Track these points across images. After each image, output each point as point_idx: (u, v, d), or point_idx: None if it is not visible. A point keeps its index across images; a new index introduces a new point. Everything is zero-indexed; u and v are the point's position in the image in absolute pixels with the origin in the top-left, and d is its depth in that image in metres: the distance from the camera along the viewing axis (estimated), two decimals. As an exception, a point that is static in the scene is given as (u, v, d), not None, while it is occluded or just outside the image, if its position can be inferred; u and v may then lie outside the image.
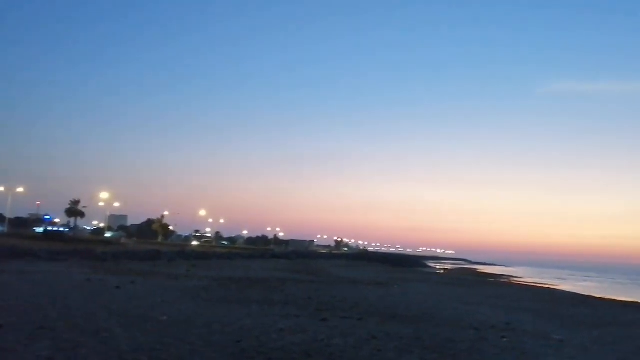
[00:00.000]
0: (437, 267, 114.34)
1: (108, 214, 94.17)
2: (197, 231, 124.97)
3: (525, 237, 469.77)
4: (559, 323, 17.94)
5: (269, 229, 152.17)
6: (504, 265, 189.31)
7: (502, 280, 66.85)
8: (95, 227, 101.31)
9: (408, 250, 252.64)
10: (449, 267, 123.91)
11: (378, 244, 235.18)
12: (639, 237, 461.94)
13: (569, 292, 45.86)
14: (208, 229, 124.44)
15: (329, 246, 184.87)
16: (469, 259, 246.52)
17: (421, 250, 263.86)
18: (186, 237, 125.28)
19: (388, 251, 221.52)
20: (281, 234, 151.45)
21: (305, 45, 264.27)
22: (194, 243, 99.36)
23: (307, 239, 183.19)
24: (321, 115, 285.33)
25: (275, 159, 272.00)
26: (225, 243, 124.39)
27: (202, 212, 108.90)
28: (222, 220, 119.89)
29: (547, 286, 59.54)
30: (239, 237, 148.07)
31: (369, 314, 15.84)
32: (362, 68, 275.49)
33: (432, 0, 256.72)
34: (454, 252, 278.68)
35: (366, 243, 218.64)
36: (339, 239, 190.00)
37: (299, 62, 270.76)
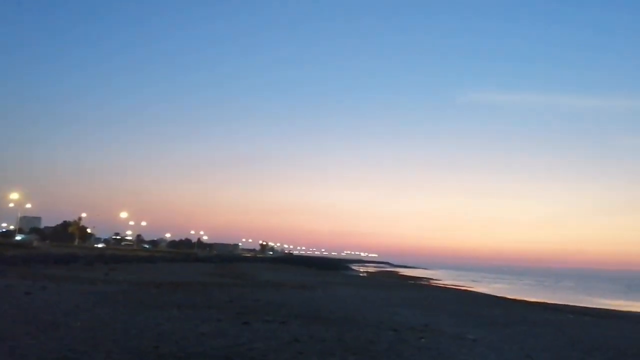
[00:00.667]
0: (361, 270, 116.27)
1: (19, 215, 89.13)
2: (117, 234, 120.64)
3: (444, 240, 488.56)
4: (474, 323, 18.71)
5: (192, 232, 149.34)
6: (424, 268, 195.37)
7: (422, 282, 68.97)
8: (4, 230, 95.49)
9: (333, 253, 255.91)
10: (372, 270, 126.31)
11: (303, 248, 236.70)
12: (550, 242, 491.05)
13: (483, 294, 48.02)
14: (129, 232, 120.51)
15: (254, 250, 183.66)
16: (391, 262, 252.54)
17: (345, 254, 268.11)
18: (105, 240, 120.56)
19: (313, 254, 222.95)
20: (205, 238, 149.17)
21: (228, 50, 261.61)
22: (99, 245, 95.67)
23: (232, 242, 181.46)
24: (246, 118, 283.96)
25: (201, 162, 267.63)
26: (147, 246, 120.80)
27: (123, 215, 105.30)
28: (144, 223, 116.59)
29: (463, 288, 62.02)
30: (162, 240, 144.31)
31: (293, 317, 15.86)
32: (287, 74, 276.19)
33: (353, 10, 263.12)
34: (377, 255, 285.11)
35: (291, 246, 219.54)
36: (264, 243, 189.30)
37: (223, 65, 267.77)
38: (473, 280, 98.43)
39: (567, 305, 41.38)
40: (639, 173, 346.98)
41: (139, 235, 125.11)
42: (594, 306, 43.96)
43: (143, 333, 11.44)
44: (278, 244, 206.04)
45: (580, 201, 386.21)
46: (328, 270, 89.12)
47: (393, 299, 27.98)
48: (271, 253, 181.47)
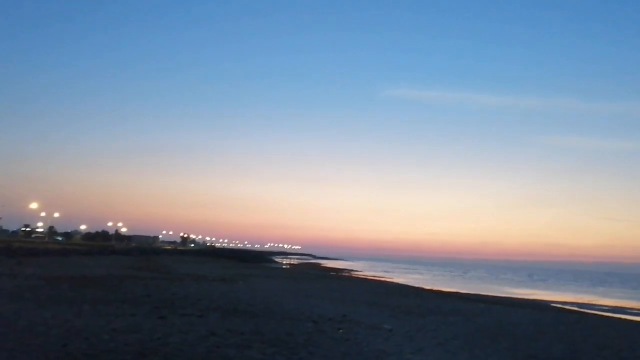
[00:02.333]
0: (284, 262, 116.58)
1: None
2: (26, 225, 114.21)
3: (365, 232, 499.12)
4: (390, 313, 19.24)
5: (110, 224, 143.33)
6: (346, 260, 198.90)
7: (343, 274, 70.09)
8: None
9: (256, 246, 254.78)
10: (294, 262, 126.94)
11: (226, 240, 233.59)
12: (463, 234, 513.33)
13: (401, 284, 49.51)
14: (40, 224, 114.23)
15: (175, 242, 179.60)
16: (314, 254, 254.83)
17: (269, 246, 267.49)
18: (14, 232, 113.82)
19: (236, 247, 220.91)
20: (123, 229, 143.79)
21: (155, 40, 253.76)
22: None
23: (152, 234, 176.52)
24: (167, 107, 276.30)
25: (118, 151, 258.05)
26: (60, 239, 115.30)
27: (34, 205, 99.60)
28: (56, 214, 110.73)
29: (382, 279, 63.67)
30: (76, 232, 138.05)
31: (211, 311, 15.66)
32: (212, 66, 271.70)
33: (274, 8, 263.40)
34: (300, 247, 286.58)
35: (214, 239, 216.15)
36: (186, 235, 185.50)
37: (148, 54, 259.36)
38: (392, 271, 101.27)
39: (478, 294, 43.48)
40: (547, 169, 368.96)
41: (51, 227, 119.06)
42: (502, 295, 46.46)
43: (50, 330, 10.89)
44: (200, 237, 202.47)
45: (491, 195, 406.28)
46: (250, 262, 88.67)
47: (314, 291, 28.25)
48: (193, 245, 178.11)
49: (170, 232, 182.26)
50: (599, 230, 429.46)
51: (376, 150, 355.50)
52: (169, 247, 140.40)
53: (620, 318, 28.48)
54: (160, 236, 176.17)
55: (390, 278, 68.91)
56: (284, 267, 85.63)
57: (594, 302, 44.76)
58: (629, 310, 37.77)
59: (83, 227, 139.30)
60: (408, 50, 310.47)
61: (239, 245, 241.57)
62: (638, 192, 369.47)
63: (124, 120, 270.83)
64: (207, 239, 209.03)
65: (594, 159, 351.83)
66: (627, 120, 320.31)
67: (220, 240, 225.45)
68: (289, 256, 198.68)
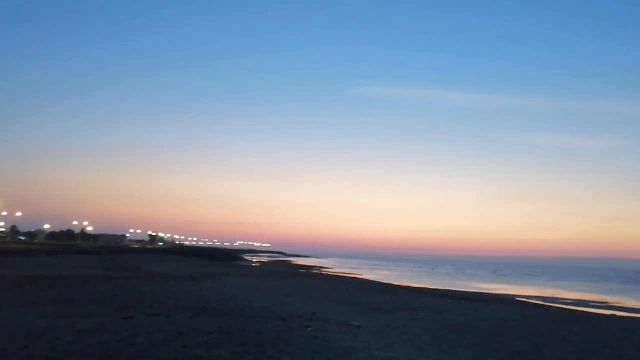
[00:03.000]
0: (254, 260, 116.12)
1: None
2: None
3: (336, 229, 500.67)
4: (360, 310, 19.34)
5: (75, 222, 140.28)
6: (316, 257, 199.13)
7: (313, 271, 70.18)
8: None
9: (225, 243, 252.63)
10: (265, 259, 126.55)
11: (195, 238, 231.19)
12: (433, 230, 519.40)
13: (371, 281, 49.80)
14: (1, 223, 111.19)
15: (142, 240, 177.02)
16: (284, 251, 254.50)
17: (238, 244, 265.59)
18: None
19: (205, 245, 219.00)
20: (89, 228, 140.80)
21: (125, 39, 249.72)
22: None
23: (119, 233, 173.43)
24: (136, 105, 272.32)
25: (83, 148, 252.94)
26: (23, 238, 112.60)
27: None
28: (19, 213, 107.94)
29: (352, 275, 64.00)
30: (40, 231, 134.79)
31: (179, 310, 15.48)
32: (182, 64, 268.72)
33: (246, 7, 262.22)
34: (270, 245, 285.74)
35: (183, 237, 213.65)
36: (154, 233, 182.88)
37: (118, 53, 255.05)
38: (361, 268, 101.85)
39: (446, 290, 44.08)
40: (514, 166, 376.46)
41: (13, 226, 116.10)
42: (469, 290, 47.20)
43: (11, 333, 10.61)
44: (168, 235, 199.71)
45: (459, 192, 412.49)
46: (220, 260, 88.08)
47: (283, 288, 28.20)
48: (161, 244, 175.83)
49: (138, 231, 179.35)
50: (565, 225, 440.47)
51: (346, 148, 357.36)
52: (137, 246, 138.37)
53: (582, 311, 29.22)
54: (127, 235, 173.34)
55: (360, 274, 69.30)
56: (253, 265, 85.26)
57: (557, 296, 45.84)
58: (590, 303, 38.81)
59: (47, 226, 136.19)
60: (379, 47, 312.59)
61: (208, 243, 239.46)
62: (603, 188, 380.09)
63: (89, 117, 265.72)
64: (176, 237, 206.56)
65: (560, 156, 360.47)
66: (594, 119, 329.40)
67: (190, 239, 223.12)
68: (259, 254, 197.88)
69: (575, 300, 41.78)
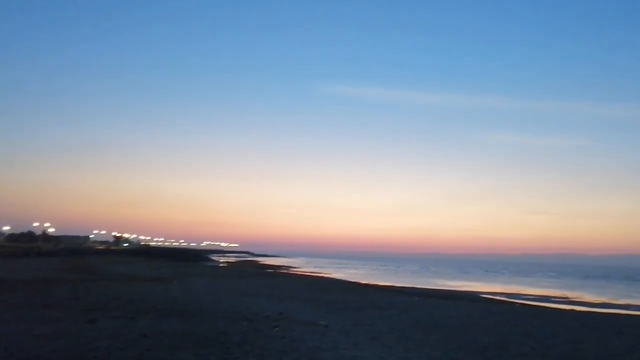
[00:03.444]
0: (221, 260, 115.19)
1: None
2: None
3: (304, 229, 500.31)
4: (327, 309, 19.36)
5: (36, 224, 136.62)
6: (284, 257, 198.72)
7: (281, 271, 69.97)
8: None
9: (192, 244, 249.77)
10: (232, 260, 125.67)
11: (161, 239, 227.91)
12: (399, 229, 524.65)
13: (339, 280, 49.93)
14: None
15: (107, 242, 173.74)
16: (252, 251, 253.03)
17: (205, 244, 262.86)
18: None
19: (172, 246, 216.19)
20: (51, 230, 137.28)
21: (84, 39, 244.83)
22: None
23: (82, 234, 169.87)
24: (99, 102, 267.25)
25: (44, 147, 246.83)
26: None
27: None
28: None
29: (320, 275, 64.10)
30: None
31: (144, 312, 15.23)
32: (146, 62, 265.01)
33: (211, 6, 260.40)
34: (238, 245, 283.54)
35: (148, 238, 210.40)
36: (119, 234, 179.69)
37: (82, 54, 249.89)
38: (329, 267, 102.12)
39: (413, 287, 44.54)
40: (478, 166, 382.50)
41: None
42: (435, 288, 47.79)
43: (-33, 339, 10.25)
44: (134, 236, 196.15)
45: (424, 191, 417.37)
46: (186, 261, 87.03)
47: (250, 289, 28.04)
48: (126, 245, 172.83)
49: (103, 232, 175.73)
50: (528, 223, 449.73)
51: (313, 147, 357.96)
52: (101, 247, 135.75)
53: (544, 306, 29.90)
54: (91, 236, 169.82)
55: (327, 274, 69.47)
56: (220, 265, 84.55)
57: (521, 292, 46.79)
58: (552, 299, 39.75)
59: (6, 228, 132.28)
60: (345, 47, 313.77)
61: (174, 243, 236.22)
62: (563, 186, 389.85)
63: (51, 116, 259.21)
64: (142, 238, 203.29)
65: (524, 155, 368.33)
66: (556, 118, 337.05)
67: (156, 239, 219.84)
68: (226, 254, 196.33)
69: (537, 296, 42.72)
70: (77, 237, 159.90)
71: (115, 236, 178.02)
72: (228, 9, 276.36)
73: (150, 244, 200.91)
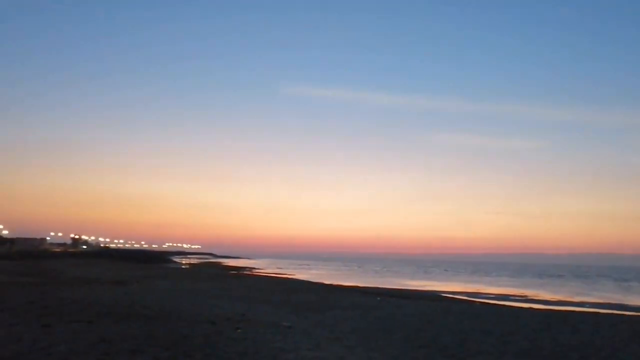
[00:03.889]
0: (183, 262, 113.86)
1: None
2: None
3: (267, 230, 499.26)
4: (290, 310, 19.35)
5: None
6: (248, 258, 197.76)
7: (244, 272, 69.57)
8: None
9: (153, 246, 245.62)
10: (194, 261, 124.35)
11: (122, 241, 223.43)
12: (362, 229, 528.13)
13: (302, 280, 49.94)
14: None
15: (65, 244, 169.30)
16: (215, 252, 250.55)
17: (167, 246, 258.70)
18: None
19: (132, 247, 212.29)
20: (5, 232, 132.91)
21: (35, 32, 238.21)
22: None
23: (39, 236, 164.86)
24: (56, 100, 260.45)
25: None
26: None
27: None
28: None
29: (284, 276, 63.98)
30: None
31: (102, 316, 14.90)
32: (104, 61, 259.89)
33: (174, 2, 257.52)
34: (200, 246, 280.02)
35: (108, 240, 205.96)
36: (77, 236, 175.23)
37: (35, 48, 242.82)
38: (293, 268, 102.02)
39: (375, 288, 44.92)
40: (440, 167, 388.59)
41: None
42: (397, 287, 48.31)
43: None
44: (93, 238, 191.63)
45: (387, 192, 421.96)
46: (147, 263, 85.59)
47: (213, 291, 27.78)
48: (85, 247, 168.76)
49: (60, 234, 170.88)
50: (488, 223, 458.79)
51: (276, 147, 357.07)
52: (59, 250, 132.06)
53: (503, 305, 30.55)
54: (48, 238, 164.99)
55: (291, 275, 69.40)
56: (183, 267, 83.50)
57: (481, 291, 47.73)
58: (511, 297, 40.68)
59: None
60: (307, 48, 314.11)
61: (135, 245, 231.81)
62: (522, 187, 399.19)
63: (3, 115, 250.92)
64: (101, 239, 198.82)
65: (483, 156, 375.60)
66: (514, 121, 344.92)
67: (116, 241, 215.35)
68: (189, 256, 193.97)
69: (496, 295, 43.64)
70: (33, 240, 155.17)
71: (73, 238, 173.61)
72: (190, 9, 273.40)
73: (110, 246, 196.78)
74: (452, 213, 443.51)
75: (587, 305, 34.50)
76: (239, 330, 13.44)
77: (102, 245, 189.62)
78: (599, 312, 25.91)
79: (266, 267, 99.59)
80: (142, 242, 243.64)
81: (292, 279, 56.04)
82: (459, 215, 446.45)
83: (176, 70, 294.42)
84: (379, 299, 28.08)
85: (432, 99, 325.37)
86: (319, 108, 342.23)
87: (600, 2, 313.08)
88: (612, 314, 25.37)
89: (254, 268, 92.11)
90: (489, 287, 55.83)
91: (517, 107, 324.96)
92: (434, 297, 36.54)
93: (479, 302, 32.94)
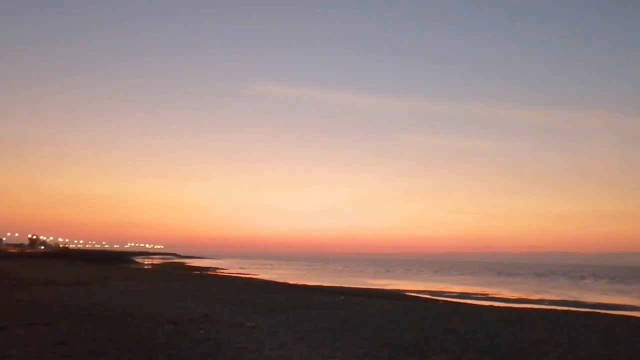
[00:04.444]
0: (145, 262, 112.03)
1: None
2: None
3: (232, 230, 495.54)
4: (254, 310, 19.24)
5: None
6: (212, 258, 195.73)
7: (208, 272, 68.86)
8: None
9: (115, 246, 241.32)
10: (157, 261, 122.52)
11: (82, 241, 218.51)
12: (327, 229, 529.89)
13: (267, 280, 49.72)
14: None
15: (21, 245, 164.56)
16: (178, 253, 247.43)
17: (129, 246, 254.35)
18: None
19: (93, 248, 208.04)
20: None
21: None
22: None
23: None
24: (13, 97, 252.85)
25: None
26: None
27: None
28: None
29: (249, 276, 63.58)
30: None
31: (61, 318, 14.54)
32: (60, 54, 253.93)
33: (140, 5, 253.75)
34: (163, 246, 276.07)
35: (67, 240, 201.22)
36: (34, 237, 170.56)
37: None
38: (258, 268, 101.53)
39: (340, 287, 45.07)
40: (406, 167, 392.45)
41: None
42: (362, 287, 48.61)
43: None
44: (51, 238, 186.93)
45: (352, 192, 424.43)
46: (109, 264, 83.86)
47: (176, 291, 27.41)
48: (43, 248, 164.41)
49: (17, 234, 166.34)
50: (452, 223, 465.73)
51: (241, 147, 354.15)
52: (15, 251, 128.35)
53: (466, 303, 31.05)
54: (4, 239, 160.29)
55: (256, 275, 69.03)
56: (145, 267, 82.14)
57: (444, 290, 48.40)
58: (473, 296, 41.39)
59: None
60: (273, 46, 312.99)
61: (96, 246, 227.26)
62: (486, 188, 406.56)
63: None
64: (60, 240, 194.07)
65: (447, 156, 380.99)
66: (479, 122, 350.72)
67: (75, 241, 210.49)
68: (151, 256, 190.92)
69: (459, 293, 44.33)
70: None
71: (30, 239, 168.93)
72: (153, 5, 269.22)
73: (70, 246, 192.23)
74: (417, 213, 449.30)
75: (546, 303, 35.36)
76: (202, 331, 13.30)
77: (61, 245, 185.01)
78: (556, 309, 26.61)
79: (230, 267, 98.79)
80: (103, 243, 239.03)
81: (256, 279, 55.76)
82: (424, 215, 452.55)
83: (139, 68, 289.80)
84: (343, 298, 28.18)
85: (399, 100, 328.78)
86: (285, 108, 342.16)
87: (554, 8, 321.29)
88: (569, 310, 26.10)
89: (218, 268, 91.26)
90: (452, 286, 56.68)
91: (481, 108, 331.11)
92: (398, 296, 36.87)
93: (442, 300, 33.39)
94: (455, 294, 42.60)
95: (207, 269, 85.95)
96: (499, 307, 28.17)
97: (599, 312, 25.87)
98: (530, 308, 28.02)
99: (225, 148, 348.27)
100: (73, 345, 10.64)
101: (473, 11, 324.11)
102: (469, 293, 44.87)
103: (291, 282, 50.03)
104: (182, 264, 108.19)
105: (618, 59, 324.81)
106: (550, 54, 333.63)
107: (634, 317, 25.13)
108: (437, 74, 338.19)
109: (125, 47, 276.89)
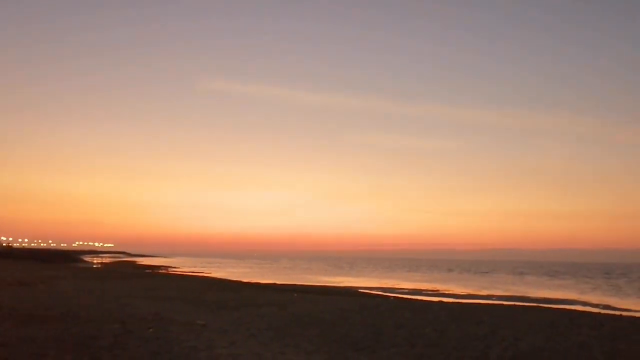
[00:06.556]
0: (94, 261, 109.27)
1: None
2: None
3: (185, 228, 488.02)
4: (206, 308, 19.06)
5: None
6: (163, 257, 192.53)
7: (159, 271, 67.77)
8: None
9: (62, 245, 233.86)
10: (107, 260, 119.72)
11: (26, 240, 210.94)
12: (282, 227, 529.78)
13: (219, 279, 49.33)
14: None
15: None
16: (129, 251, 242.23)
17: (77, 245, 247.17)
18: None
19: (39, 246, 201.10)
20: None
21: None
22: None
23: None
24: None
25: None
26: None
27: None
28: None
29: (201, 274, 62.90)
30: None
31: (2, 319, 14.00)
32: (12, 46, 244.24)
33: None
34: (113, 245, 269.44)
35: (11, 239, 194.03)
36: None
37: None
38: (211, 266, 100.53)
39: (293, 284, 45.14)
40: (361, 166, 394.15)
41: None
42: (314, 284, 48.84)
43: None
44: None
45: (308, 190, 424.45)
46: (55, 263, 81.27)
47: (125, 290, 26.84)
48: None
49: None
50: (407, 221, 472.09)
51: (191, 144, 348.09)
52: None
53: (416, 299, 31.66)
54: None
55: (208, 273, 68.36)
56: (94, 266, 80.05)
57: (395, 287, 49.13)
58: (424, 292, 42.21)
59: None
60: (225, 40, 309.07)
61: (42, 244, 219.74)
62: (439, 186, 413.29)
63: None
64: (3, 238, 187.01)
65: (402, 156, 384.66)
66: (430, 121, 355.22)
67: (20, 240, 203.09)
68: (101, 255, 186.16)
69: (411, 289, 45.10)
70: None
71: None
72: (105, 2, 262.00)
73: (13, 245, 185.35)
74: (371, 211, 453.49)
75: (494, 298, 36.39)
76: (151, 330, 13.09)
77: (4, 244, 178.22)
78: (503, 304, 27.42)
79: (182, 266, 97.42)
80: (50, 241, 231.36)
81: (208, 277, 55.22)
82: (378, 213, 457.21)
83: (87, 63, 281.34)
84: (295, 295, 28.24)
85: (351, 98, 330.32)
86: (240, 105, 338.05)
87: (514, 5, 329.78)
88: (515, 305, 26.94)
89: (170, 267, 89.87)
90: (404, 283, 57.58)
91: (433, 108, 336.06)
92: (350, 292, 37.21)
93: (393, 297, 33.90)
94: (406, 290, 43.31)
95: (159, 267, 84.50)
96: (448, 302, 28.82)
97: (542, 307, 26.87)
98: (478, 303, 28.76)
99: (177, 146, 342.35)
100: (14, 347, 10.31)
101: (429, 7, 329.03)
102: (420, 289, 45.70)
103: (243, 280, 49.77)
104: (132, 263, 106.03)
105: (572, 60, 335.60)
106: (509, 54, 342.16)
107: (574, 310, 26.24)
108: (394, 73, 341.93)
109: (71, 40, 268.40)
